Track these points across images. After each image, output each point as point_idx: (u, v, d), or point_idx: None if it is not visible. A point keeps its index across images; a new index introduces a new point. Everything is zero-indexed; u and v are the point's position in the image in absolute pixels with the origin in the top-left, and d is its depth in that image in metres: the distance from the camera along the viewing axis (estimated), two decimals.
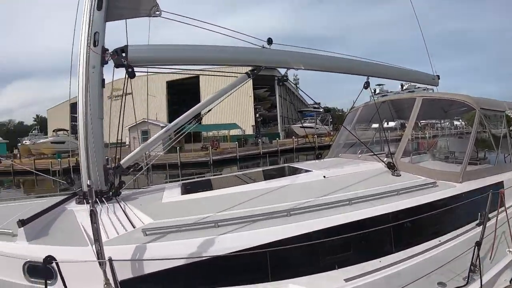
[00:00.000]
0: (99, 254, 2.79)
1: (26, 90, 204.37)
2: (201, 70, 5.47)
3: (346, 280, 3.56)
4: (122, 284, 2.99)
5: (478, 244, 3.96)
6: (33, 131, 73.04)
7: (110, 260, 2.74)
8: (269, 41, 5.57)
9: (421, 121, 12.08)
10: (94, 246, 2.89)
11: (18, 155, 57.38)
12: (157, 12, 5.08)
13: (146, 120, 37.95)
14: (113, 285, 2.82)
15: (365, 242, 3.94)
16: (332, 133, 51.50)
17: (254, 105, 63.04)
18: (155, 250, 3.30)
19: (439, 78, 8.10)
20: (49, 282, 3.08)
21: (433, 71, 8.04)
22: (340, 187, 4.69)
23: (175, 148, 36.67)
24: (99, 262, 2.78)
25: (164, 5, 5.11)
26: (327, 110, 60.38)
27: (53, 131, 63.05)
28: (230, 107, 57.45)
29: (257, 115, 61.71)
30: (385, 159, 5.96)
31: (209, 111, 5.85)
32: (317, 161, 7.37)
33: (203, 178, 6.75)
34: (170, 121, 5.56)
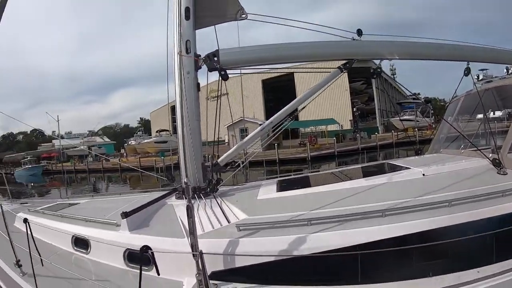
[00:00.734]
0: (193, 246, 2.93)
1: (130, 96, 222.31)
2: (291, 68, 5.49)
3: None
4: (213, 275, 3.13)
5: None
6: (138, 132, 79.49)
7: (201, 253, 2.86)
8: (359, 32, 5.38)
9: None
10: (189, 238, 3.05)
11: (125, 154, 62.82)
12: (243, 15, 5.24)
13: (244, 119, 38.87)
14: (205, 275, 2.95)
15: (463, 249, 3.56)
16: (433, 126, 48.58)
17: (351, 99, 61.58)
18: (247, 245, 3.37)
19: None
20: (146, 268, 3.32)
21: None
22: (439, 187, 4.30)
23: (273, 144, 37.11)
24: (193, 254, 2.92)
25: (249, 7, 5.24)
26: (428, 101, 56.69)
27: (156, 131, 67.94)
28: (326, 102, 56.69)
29: (354, 109, 60.13)
30: (490, 155, 5.40)
31: (303, 107, 5.85)
32: (417, 157, 6.97)
33: (300, 175, 6.74)
34: (267, 118, 5.67)
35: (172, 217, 4.38)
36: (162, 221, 4.35)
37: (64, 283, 3.71)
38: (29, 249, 3.81)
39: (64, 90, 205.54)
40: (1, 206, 4.54)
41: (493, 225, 3.61)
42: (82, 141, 73.48)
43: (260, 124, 5.80)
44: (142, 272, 3.06)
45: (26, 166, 61.07)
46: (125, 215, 3.99)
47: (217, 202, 4.64)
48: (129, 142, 70.16)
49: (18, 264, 4.05)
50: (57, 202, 6.64)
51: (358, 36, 5.40)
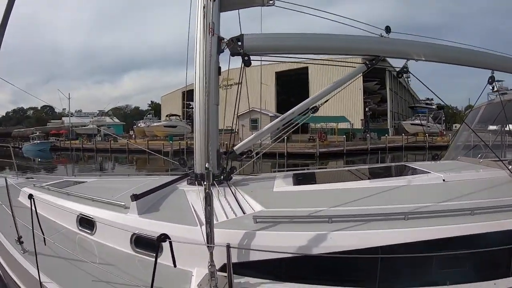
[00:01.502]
0: (209, 236, 2.82)
1: (142, 79, 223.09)
2: (313, 59, 5.39)
3: None
4: (225, 268, 3.02)
5: None
6: (148, 115, 79.36)
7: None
8: (387, 29, 5.25)
9: None
10: (203, 227, 2.94)
11: (134, 136, 63.03)
12: (271, 2, 5.11)
13: (255, 109, 38.80)
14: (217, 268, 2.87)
15: (482, 259, 3.43)
16: (444, 133, 48.14)
17: (363, 99, 61.16)
18: (263, 239, 3.27)
19: None
20: (153, 255, 3.17)
21: None
22: (460, 194, 4.22)
23: (282, 138, 36.88)
24: (208, 245, 2.83)
25: None
26: (440, 107, 56.19)
27: (166, 116, 68.04)
28: (339, 100, 56.12)
29: (366, 109, 59.74)
30: (510, 167, 5.27)
31: (326, 101, 5.73)
32: (433, 162, 6.84)
33: (314, 170, 6.65)
34: (278, 111, 5.58)
35: (184, 203, 4.28)
36: (173, 207, 4.26)
37: (66, 264, 3.62)
38: (32, 226, 3.70)
39: (77, 68, 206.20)
40: (5, 179, 4.45)
41: None
42: (91, 120, 73.80)
43: (272, 116, 5.71)
44: (149, 258, 2.97)
45: (34, 142, 61.35)
46: (135, 197, 3.91)
47: (231, 191, 4.55)
48: (139, 124, 70.43)
49: (19, 241, 3.97)
50: (64, 179, 6.62)
51: (386, 33, 5.28)
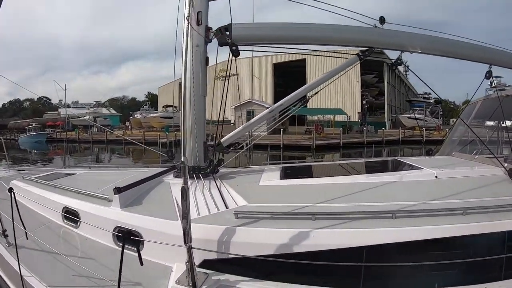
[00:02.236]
0: (186, 232, 2.73)
1: (139, 69, 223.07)
2: (304, 49, 5.27)
3: None
4: (205, 264, 2.98)
5: None
6: (144, 106, 79.61)
7: (189, 247, 2.72)
8: (382, 20, 5.11)
9: None
10: (181, 223, 2.85)
11: (130, 127, 63.25)
12: None
13: (251, 101, 38.73)
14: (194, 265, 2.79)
15: (473, 262, 3.25)
16: (441, 127, 48.22)
17: (361, 91, 61.12)
18: (243, 235, 3.18)
19: None
20: (135, 249, 3.13)
21: None
22: (453, 192, 4.07)
23: (279, 129, 37.05)
24: (184, 241, 2.74)
25: None
26: (438, 101, 56.33)
27: (163, 107, 68.32)
28: (336, 92, 56.18)
29: (363, 102, 59.72)
30: (506, 164, 5.13)
31: (316, 93, 5.62)
32: (427, 157, 6.71)
33: (305, 164, 6.56)
34: (275, 102, 5.47)
35: (167, 196, 4.20)
36: (156, 200, 4.20)
37: (48, 258, 3.58)
38: (12, 219, 3.66)
39: (74, 58, 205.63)
40: None
41: (506, 239, 3.37)
42: (88, 111, 73.72)
43: (268, 107, 5.60)
44: (130, 253, 3.00)
45: (31, 133, 61.27)
46: (118, 190, 3.85)
47: (216, 185, 4.46)
48: (135, 115, 70.48)
49: (4, 234, 3.97)
50: (54, 171, 6.53)
51: (380, 24, 5.15)
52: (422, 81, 5.88)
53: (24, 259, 3.44)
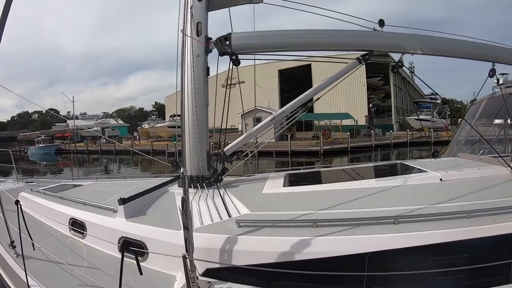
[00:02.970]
0: (187, 242, 2.76)
1: (146, 80, 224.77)
2: (305, 56, 5.29)
3: None
4: (208, 272, 2.99)
5: None
6: (152, 116, 79.99)
7: (184, 257, 2.73)
8: (381, 22, 5.11)
9: None
10: (183, 233, 2.88)
11: (138, 137, 63.47)
12: None
13: (258, 108, 38.73)
14: (194, 275, 2.81)
15: (479, 266, 3.17)
16: (449, 128, 47.86)
17: (367, 95, 60.93)
18: (246, 244, 3.19)
19: None
20: (140, 258, 3.20)
21: None
22: (458, 194, 4.00)
23: (286, 136, 37.00)
24: (186, 250, 2.77)
25: None
26: (445, 101, 55.98)
27: (170, 116, 68.61)
28: (342, 96, 56.11)
29: (370, 105, 59.51)
30: None
31: (317, 99, 5.64)
32: (433, 159, 6.62)
33: (310, 170, 6.53)
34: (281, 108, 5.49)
35: (171, 206, 4.24)
36: (161, 210, 4.23)
37: (55, 268, 3.62)
38: (19, 231, 3.71)
39: (82, 70, 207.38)
40: None
41: None
42: (96, 122, 74.21)
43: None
44: (134, 262, 2.99)
45: (40, 145, 61.83)
46: (123, 201, 3.91)
47: (220, 193, 4.47)
48: (143, 126, 70.85)
49: (12, 245, 4.02)
50: (61, 183, 6.60)
51: (380, 26, 5.16)
52: (425, 83, 5.87)
53: (32, 269, 3.48)
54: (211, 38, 4.86)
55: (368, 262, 3.03)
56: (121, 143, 52.12)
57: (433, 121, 51.08)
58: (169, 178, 5.36)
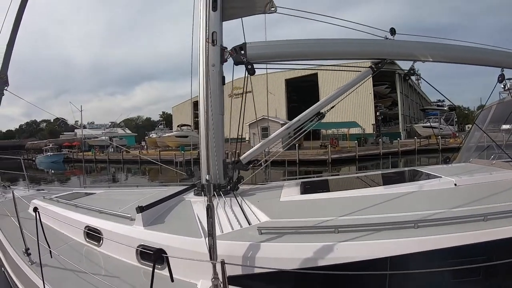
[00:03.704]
0: (211, 249, 2.77)
1: (154, 89, 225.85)
2: (318, 65, 5.33)
3: None
4: (231, 280, 2.96)
5: None
6: (159, 126, 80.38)
7: (223, 263, 2.68)
8: (392, 31, 5.16)
9: None
10: (207, 239, 2.89)
11: (145, 147, 63.70)
12: (272, 8, 5.08)
13: (266, 117, 38.75)
14: (221, 281, 2.78)
15: (496, 269, 3.22)
16: (457, 134, 47.61)
17: (374, 103, 60.78)
18: (268, 250, 3.20)
19: None
20: (159, 267, 3.20)
21: None
22: (473, 199, 4.02)
23: (294, 145, 36.98)
24: (210, 257, 2.77)
25: (278, 2, 5.06)
26: (452, 108, 55.64)
27: (178, 126, 68.76)
28: (349, 105, 55.90)
29: (377, 113, 59.35)
30: None
31: (332, 107, 5.65)
32: (445, 165, 6.64)
33: (324, 178, 6.55)
34: (289, 118, 5.52)
35: (189, 214, 4.26)
36: (178, 218, 4.25)
37: (72, 276, 3.65)
38: (37, 238, 3.76)
39: (89, 80, 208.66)
40: (13, 192, 4.51)
41: None
42: (103, 131, 74.58)
43: (282, 123, 5.64)
44: (155, 270, 2.95)
45: (48, 154, 62.19)
46: (141, 209, 3.93)
47: (237, 202, 4.49)
48: (150, 135, 71.16)
49: (27, 252, 4.04)
50: (73, 191, 6.65)
51: (391, 35, 5.20)
52: (435, 89, 5.88)
53: (48, 277, 3.50)
54: (226, 48, 4.92)
55: (390, 266, 3.05)
56: (129, 152, 52.26)
57: (441, 128, 50.80)
58: (184, 187, 5.39)
